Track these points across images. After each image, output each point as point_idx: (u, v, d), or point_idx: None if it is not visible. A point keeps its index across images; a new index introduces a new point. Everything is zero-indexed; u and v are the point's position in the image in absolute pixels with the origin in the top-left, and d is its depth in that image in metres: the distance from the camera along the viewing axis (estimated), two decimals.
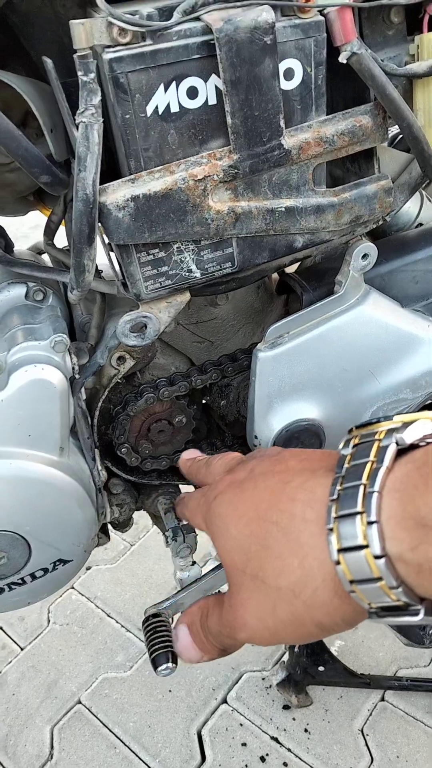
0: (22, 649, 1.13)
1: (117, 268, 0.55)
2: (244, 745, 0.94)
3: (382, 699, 0.96)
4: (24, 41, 0.51)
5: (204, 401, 0.71)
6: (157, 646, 0.58)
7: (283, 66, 0.46)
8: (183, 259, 0.52)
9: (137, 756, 0.95)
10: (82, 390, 0.61)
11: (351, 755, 0.90)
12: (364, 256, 0.59)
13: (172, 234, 0.50)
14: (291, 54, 0.46)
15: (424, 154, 0.53)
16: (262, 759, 0.92)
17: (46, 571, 0.59)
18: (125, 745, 0.97)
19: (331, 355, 0.60)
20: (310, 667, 0.95)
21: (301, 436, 0.61)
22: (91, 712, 1.02)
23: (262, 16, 0.43)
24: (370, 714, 0.94)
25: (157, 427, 0.67)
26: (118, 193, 0.47)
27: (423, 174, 0.56)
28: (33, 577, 0.59)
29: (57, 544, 0.58)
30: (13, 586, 0.59)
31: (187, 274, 0.53)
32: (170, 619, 0.63)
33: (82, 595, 1.22)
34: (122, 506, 0.72)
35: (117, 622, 1.16)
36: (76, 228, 0.48)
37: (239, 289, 0.63)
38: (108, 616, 1.18)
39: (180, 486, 0.75)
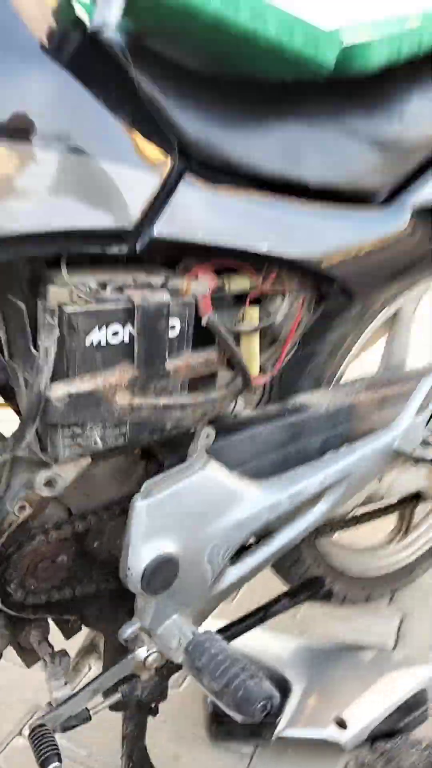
0: None
1: (34, 437, 0.75)
2: None
3: None
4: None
5: (79, 543, 0.88)
6: (45, 749, 0.71)
7: (170, 323, 0.75)
8: (91, 434, 0.75)
9: None
10: None
11: None
12: (207, 435, 0.87)
13: (89, 418, 0.73)
14: (175, 316, 0.75)
15: (245, 376, 0.84)
16: None
17: None
18: None
19: (184, 505, 0.84)
20: None
21: (163, 567, 0.81)
22: None
23: (163, 298, 0.72)
24: None
25: (42, 566, 0.82)
26: (59, 391, 0.69)
27: (243, 384, 0.86)
28: None
29: None
30: None
31: (93, 444, 0.75)
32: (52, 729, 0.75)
33: None
34: (2, 638, 0.82)
35: None
36: (28, 410, 0.68)
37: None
38: None
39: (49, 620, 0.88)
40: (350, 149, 0.83)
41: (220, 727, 1.20)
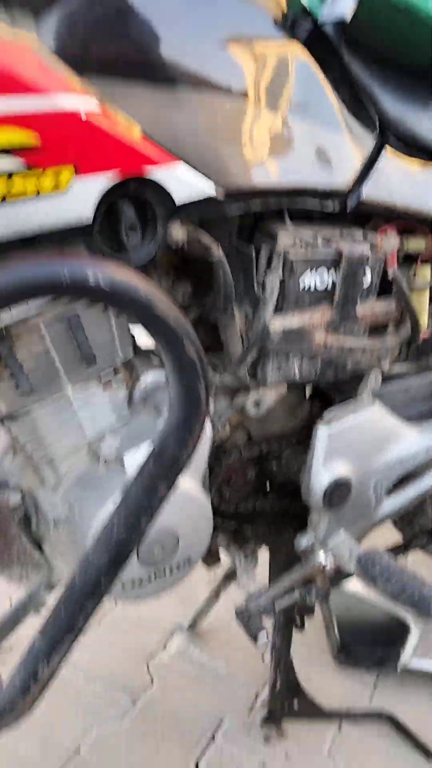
0: None
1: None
2: None
3: (339, 729, 1.21)
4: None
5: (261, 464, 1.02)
6: (253, 626, 0.85)
7: (365, 273, 0.88)
8: (292, 365, 0.88)
9: None
10: None
11: None
12: (376, 378, 0.99)
13: (293, 350, 0.86)
14: (369, 268, 0.88)
15: (416, 328, 0.96)
16: None
17: (178, 566, 0.83)
18: None
19: (357, 436, 0.97)
20: (287, 702, 1.18)
21: (340, 488, 0.95)
22: (92, 760, 1.14)
23: (365, 250, 0.85)
24: (333, 740, 1.18)
25: (236, 478, 0.97)
26: (276, 324, 0.84)
27: (412, 334, 0.98)
28: (170, 570, 0.83)
29: (193, 543, 0.83)
30: (157, 576, 0.82)
31: (292, 374, 0.89)
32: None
33: None
34: None
35: (100, 685, 1.30)
36: (253, 340, 0.82)
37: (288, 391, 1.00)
38: (90, 680, 1.31)
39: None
40: None
41: (348, 656, 1.33)
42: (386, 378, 1.06)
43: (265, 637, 0.86)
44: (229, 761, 1.14)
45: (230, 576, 1.34)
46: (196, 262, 0.86)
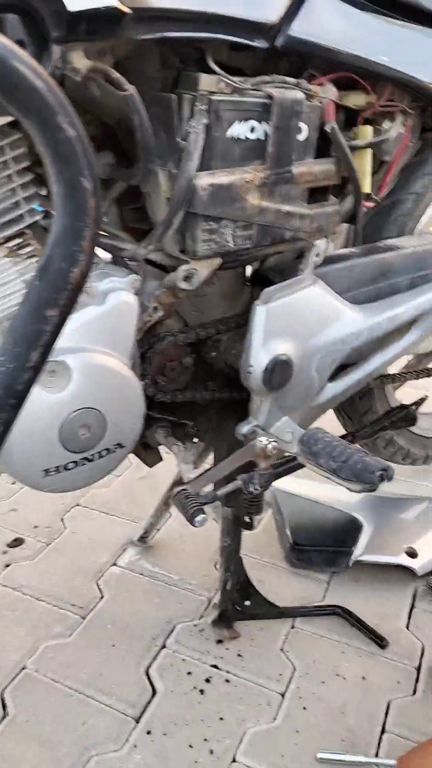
0: None
1: (174, 237, 0.81)
2: (189, 673, 1.10)
3: (293, 626, 1.20)
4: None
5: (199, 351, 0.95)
6: (190, 507, 0.80)
7: (299, 125, 0.80)
8: (225, 232, 0.81)
9: (93, 699, 1.05)
10: None
11: (278, 667, 1.11)
12: (317, 254, 0.93)
13: (225, 212, 0.79)
14: (304, 120, 0.80)
15: (357, 192, 0.90)
16: (207, 680, 1.08)
17: (108, 451, 0.77)
18: (79, 692, 1.06)
19: (297, 314, 0.91)
20: (239, 602, 1.16)
21: (281, 367, 0.89)
22: (39, 673, 1.09)
23: (297, 95, 0.77)
24: (286, 637, 1.17)
25: (171, 366, 0.90)
26: (203, 180, 0.75)
27: (355, 200, 0.92)
28: (99, 455, 0.76)
29: (122, 426, 0.77)
30: (84, 462, 0.75)
31: (225, 243, 0.81)
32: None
33: (6, 587, 1.28)
34: None
35: (48, 603, 1.25)
36: (177, 198, 0.74)
37: (226, 272, 0.92)
38: (37, 600, 1.25)
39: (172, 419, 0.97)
40: None
41: (300, 555, 1.31)
42: (330, 259, 1.01)
43: (203, 518, 0.81)
44: (180, 665, 1.11)
45: (178, 483, 1.29)
46: (117, 130, 0.77)
